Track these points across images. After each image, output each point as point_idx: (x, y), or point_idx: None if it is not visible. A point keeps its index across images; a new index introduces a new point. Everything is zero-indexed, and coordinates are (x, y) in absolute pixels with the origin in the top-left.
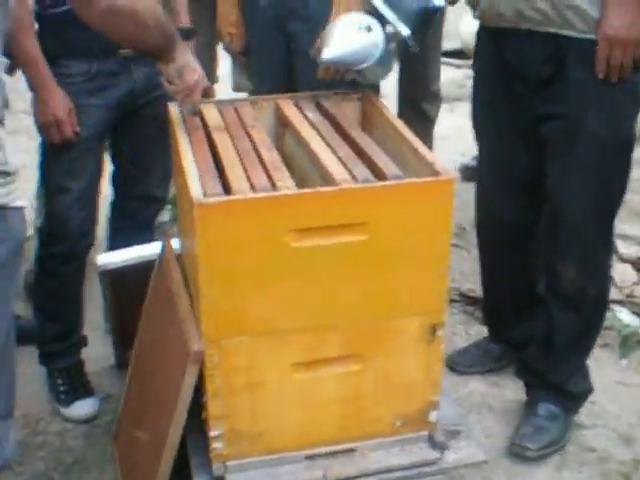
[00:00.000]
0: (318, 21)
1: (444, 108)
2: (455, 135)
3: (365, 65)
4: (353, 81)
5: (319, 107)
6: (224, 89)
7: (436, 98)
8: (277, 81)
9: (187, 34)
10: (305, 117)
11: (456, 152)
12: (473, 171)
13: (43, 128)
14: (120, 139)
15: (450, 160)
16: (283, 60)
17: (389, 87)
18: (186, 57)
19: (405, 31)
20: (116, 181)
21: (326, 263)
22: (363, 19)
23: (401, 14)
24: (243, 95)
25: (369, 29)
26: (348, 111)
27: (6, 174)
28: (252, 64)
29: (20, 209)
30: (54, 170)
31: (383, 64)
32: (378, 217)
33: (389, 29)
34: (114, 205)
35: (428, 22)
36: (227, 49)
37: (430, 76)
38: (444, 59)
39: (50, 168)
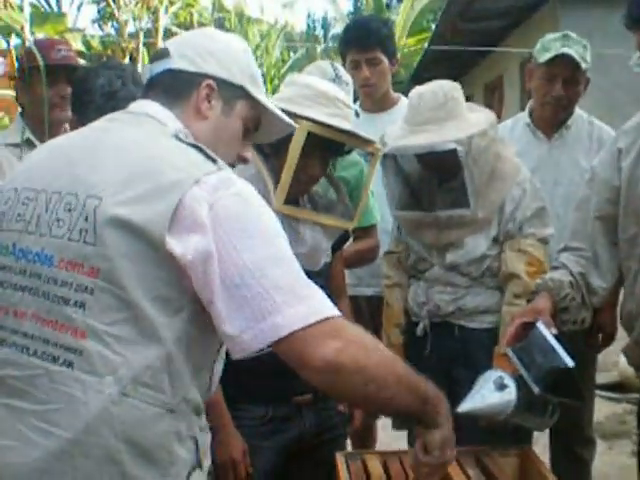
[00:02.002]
0: (479, 366)
1: (602, 445)
2: (616, 475)
3: (500, 418)
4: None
5: (479, 463)
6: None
7: (590, 443)
8: None
9: None
10: (465, 474)
11: None
12: None
13: (219, 467)
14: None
15: None
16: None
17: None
18: (450, 427)
19: (535, 389)
20: None
21: None
22: (500, 376)
23: (533, 371)
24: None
25: (502, 387)
26: (506, 467)
27: None
28: None
29: None
30: None
31: (539, 416)
32: None
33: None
34: None
35: (560, 380)
36: None
37: (583, 420)
38: (601, 393)
39: None
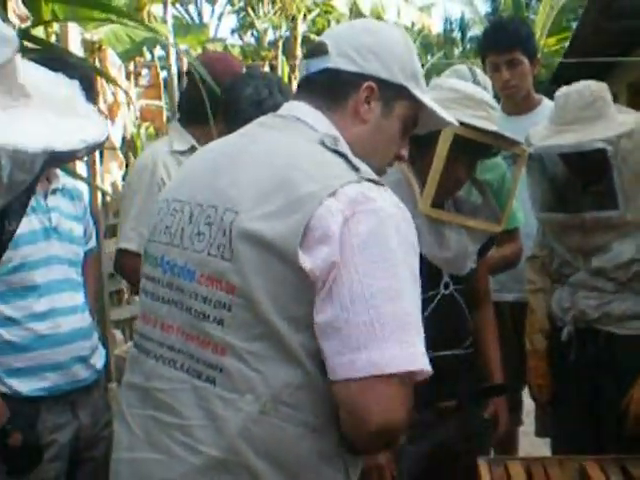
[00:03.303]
0: (626, 373)
1: None
2: None
3: None
4: None
5: (624, 472)
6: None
7: None
8: (581, 431)
9: (500, 389)
10: None
11: None
12: None
13: (365, 471)
14: None
15: None
16: (589, 411)
17: None
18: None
19: None
20: None
21: None
22: None
23: None
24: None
25: None
26: None
27: None
28: (558, 414)
29: None
30: None
31: None
32: None
33: None
34: None
35: None
36: (534, 398)
37: None
38: None
39: None
